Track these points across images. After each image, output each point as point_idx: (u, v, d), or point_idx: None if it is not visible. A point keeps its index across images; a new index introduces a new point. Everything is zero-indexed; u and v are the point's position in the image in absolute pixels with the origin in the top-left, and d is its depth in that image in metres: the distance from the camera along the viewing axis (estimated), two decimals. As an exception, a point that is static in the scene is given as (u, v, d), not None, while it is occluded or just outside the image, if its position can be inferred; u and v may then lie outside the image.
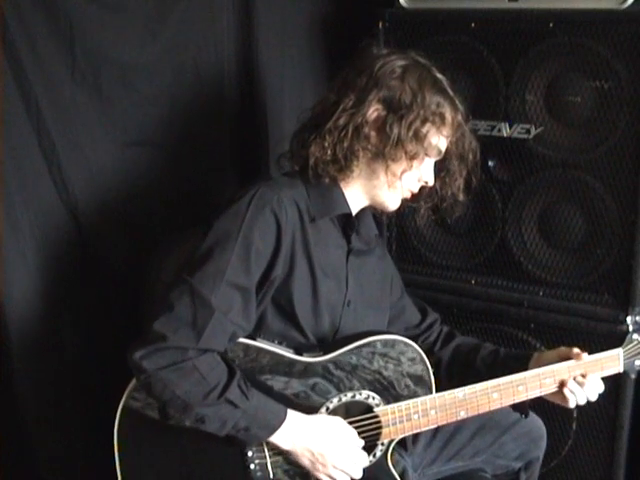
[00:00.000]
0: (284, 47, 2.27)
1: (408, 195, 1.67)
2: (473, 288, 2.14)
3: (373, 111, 1.57)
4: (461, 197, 1.74)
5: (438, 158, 1.66)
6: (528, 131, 1.96)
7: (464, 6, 2.01)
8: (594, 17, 1.83)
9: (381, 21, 2.08)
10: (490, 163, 2.05)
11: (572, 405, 1.66)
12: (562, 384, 1.64)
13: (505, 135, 1.99)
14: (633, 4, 1.79)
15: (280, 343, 1.57)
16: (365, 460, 1.60)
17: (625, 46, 1.79)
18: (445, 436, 1.83)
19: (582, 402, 1.66)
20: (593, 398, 1.66)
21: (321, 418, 1.57)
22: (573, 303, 2.00)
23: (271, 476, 1.57)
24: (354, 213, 1.67)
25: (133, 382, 1.50)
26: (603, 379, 1.71)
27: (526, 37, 1.91)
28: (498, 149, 2.02)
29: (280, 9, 2.23)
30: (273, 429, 1.49)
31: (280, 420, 1.50)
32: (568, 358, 1.66)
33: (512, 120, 1.98)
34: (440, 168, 1.70)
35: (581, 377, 1.64)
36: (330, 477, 1.56)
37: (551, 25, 1.87)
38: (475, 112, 1.99)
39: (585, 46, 1.84)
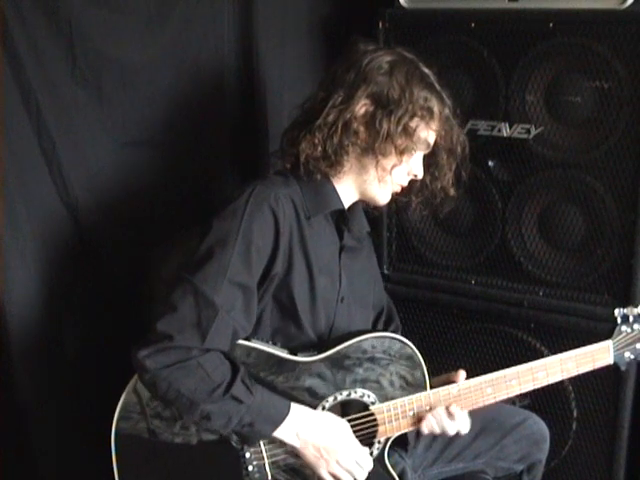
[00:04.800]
0: (284, 47, 2.27)
1: (398, 189, 1.69)
2: (473, 288, 2.14)
3: (361, 106, 1.58)
4: (451, 192, 1.75)
5: (427, 152, 1.68)
6: (528, 131, 1.96)
7: (464, 6, 2.01)
8: (594, 17, 1.83)
9: (381, 21, 2.07)
10: (490, 163, 2.05)
11: (426, 431, 1.64)
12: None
13: (505, 135, 1.99)
14: (633, 4, 1.79)
15: (275, 344, 1.58)
16: (370, 464, 1.59)
17: (625, 46, 1.79)
18: (446, 437, 1.81)
19: (437, 432, 1.64)
20: (451, 432, 1.64)
21: (327, 415, 1.57)
22: (573, 303, 2.00)
23: (269, 477, 1.57)
24: (346, 208, 1.69)
25: (121, 403, 1.53)
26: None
27: (526, 37, 1.91)
28: (498, 149, 2.02)
29: (280, 9, 2.23)
30: (276, 424, 1.49)
31: (283, 415, 1.50)
32: (451, 382, 1.65)
33: (512, 120, 1.98)
34: (429, 162, 1.71)
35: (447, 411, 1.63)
36: (333, 475, 1.55)
37: (551, 25, 1.87)
38: (475, 112, 2.01)
39: (585, 46, 1.84)
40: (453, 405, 1.62)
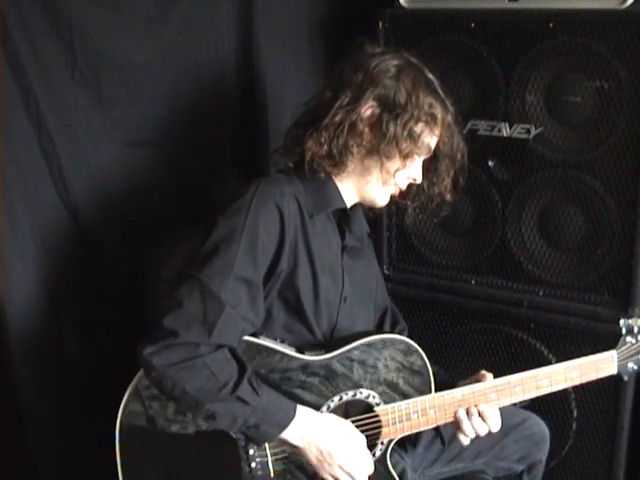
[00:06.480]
0: (284, 47, 2.27)
1: (397, 192, 1.70)
2: (473, 288, 2.14)
3: (368, 108, 1.60)
4: (448, 197, 1.77)
5: (427, 157, 1.69)
6: (528, 131, 1.96)
7: (464, 6, 2.01)
8: (594, 17, 1.83)
9: (381, 21, 2.08)
10: (490, 163, 2.05)
11: (464, 442, 1.65)
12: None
13: (505, 135, 1.99)
14: (633, 4, 1.79)
15: (283, 341, 1.58)
16: (371, 467, 1.59)
17: (625, 46, 1.79)
18: (446, 437, 1.82)
19: (472, 435, 1.64)
20: (482, 432, 1.64)
21: (332, 418, 1.57)
22: (573, 303, 2.00)
23: (272, 475, 1.57)
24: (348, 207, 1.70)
25: (127, 395, 1.52)
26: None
27: (526, 37, 1.91)
28: (498, 149, 2.02)
29: (280, 9, 2.23)
30: (282, 427, 1.49)
31: (289, 418, 1.49)
32: (478, 381, 1.66)
33: (512, 120, 1.98)
34: (429, 168, 1.72)
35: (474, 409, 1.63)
36: (334, 477, 1.55)
37: (551, 25, 1.87)
38: (475, 112, 2.01)
39: (585, 46, 1.84)
40: (482, 405, 1.62)
